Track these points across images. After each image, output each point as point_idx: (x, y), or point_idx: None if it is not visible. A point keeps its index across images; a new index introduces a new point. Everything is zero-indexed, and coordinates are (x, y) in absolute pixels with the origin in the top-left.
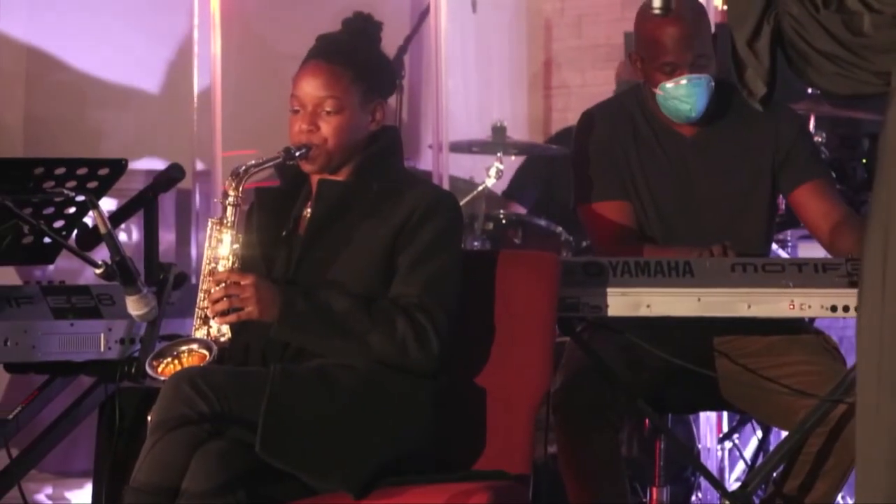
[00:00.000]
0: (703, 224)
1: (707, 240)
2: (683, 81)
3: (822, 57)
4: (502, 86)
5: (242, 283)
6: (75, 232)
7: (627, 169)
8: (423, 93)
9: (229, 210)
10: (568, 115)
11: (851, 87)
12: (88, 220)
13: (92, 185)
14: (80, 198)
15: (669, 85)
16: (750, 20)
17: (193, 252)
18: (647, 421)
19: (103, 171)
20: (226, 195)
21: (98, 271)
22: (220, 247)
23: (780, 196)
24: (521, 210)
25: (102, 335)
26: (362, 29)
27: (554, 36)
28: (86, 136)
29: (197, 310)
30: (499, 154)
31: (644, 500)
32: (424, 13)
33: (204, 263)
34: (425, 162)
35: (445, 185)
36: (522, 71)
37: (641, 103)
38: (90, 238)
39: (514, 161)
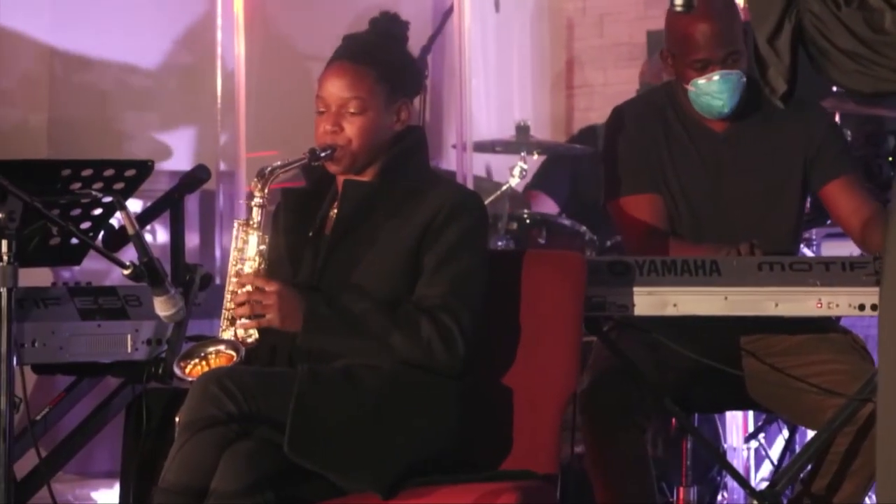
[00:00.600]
0: (733, 220)
1: (736, 236)
2: (716, 77)
3: (842, 55)
4: (524, 85)
5: (267, 289)
6: (101, 233)
7: (658, 164)
8: (446, 92)
9: (255, 211)
10: (590, 115)
11: (872, 85)
12: (113, 221)
13: (118, 186)
14: (107, 199)
15: (701, 81)
16: (771, 18)
17: (217, 253)
18: (673, 420)
19: (130, 173)
20: (251, 196)
21: (126, 272)
22: (246, 248)
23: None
24: (550, 202)
25: (129, 336)
26: (388, 29)
27: (576, 35)
28: (109, 138)
29: (224, 311)
30: (522, 153)
31: (671, 499)
32: (448, 13)
33: (230, 265)
34: (447, 161)
35: (469, 185)
36: (544, 70)
37: (672, 99)
38: (116, 239)
39: (538, 160)
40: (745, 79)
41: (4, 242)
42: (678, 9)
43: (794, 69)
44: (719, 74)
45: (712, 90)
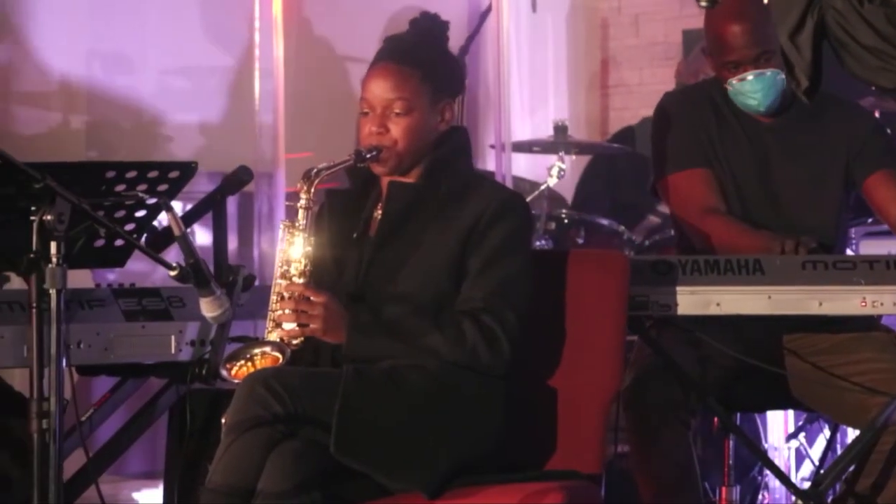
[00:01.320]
0: (780, 204)
1: (782, 221)
2: (749, 77)
3: (864, 50)
4: (559, 85)
5: (314, 300)
6: (145, 235)
7: (709, 143)
8: (482, 93)
9: (301, 213)
10: (625, 114)
11: (893, 81)
12: (154, 222)
13: (162, 187)
14: (151, 200)
15: (735, 82)
16: (793, 14)
17: (256, 254)
18: (715, 420)
19: (173, 174)
20: (297, 197)
21: (172, 273)
22: (291, 249)
23: None
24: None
25: (173, 337)
26: (429, 29)
27: (611, 35)
28: (148, 140)
29: (269, 312)
30: (560, 153)
31: (713, 499)
32: (485, 13)
33: (276, 266)
34: (483, 162)
35: (508, 186)
36: (579, 70)
37: (720, 90)
38: (160, 241)
39: (576, 161)
40: (781, 76)
41: (53, 244)
42: (703, 4)
43: (817, 65)
44: (752, 74)
45: (746, 90)
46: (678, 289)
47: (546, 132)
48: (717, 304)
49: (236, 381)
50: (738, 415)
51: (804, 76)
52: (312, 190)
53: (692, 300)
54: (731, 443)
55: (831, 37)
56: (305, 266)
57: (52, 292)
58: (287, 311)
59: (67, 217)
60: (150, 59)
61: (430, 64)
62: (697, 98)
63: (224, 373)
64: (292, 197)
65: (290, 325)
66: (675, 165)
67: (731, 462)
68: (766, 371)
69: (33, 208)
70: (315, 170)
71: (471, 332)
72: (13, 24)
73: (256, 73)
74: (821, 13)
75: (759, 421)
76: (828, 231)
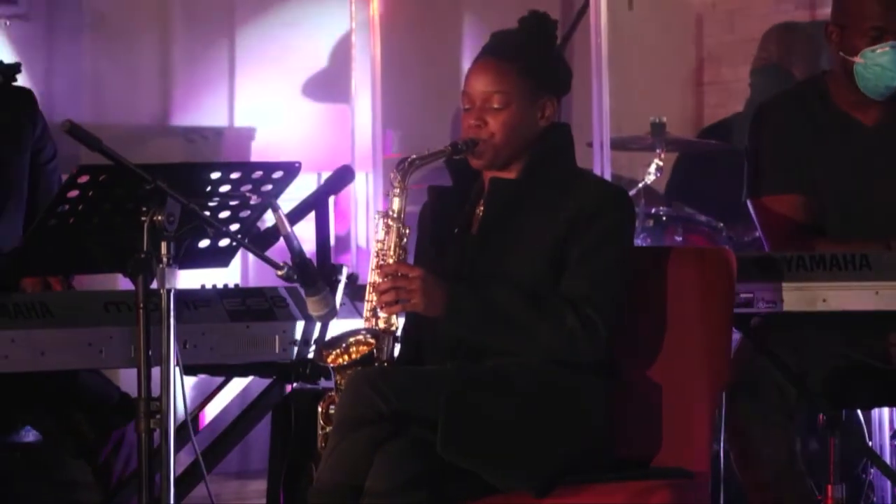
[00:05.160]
0: (884, 218)
1: (887, 235)
2: (888, 48)
3: None
4: (654, 82)
5: (410, 275)
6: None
7: (806, 162)
8: (575, 90)
9: (395, 202)
10: (721, 111)
11: None
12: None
13: (266, 188)
14: (256, 200)
15: (877, 51)
16: None
17: (354, 254)
18: (820, 417)
19: (277, 174)
20: (392, 187)
21: (279, 273)
22: (387, 239)
23: None
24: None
25: (277, 337)
26: (537, 26)
27: (706, 31)
28: (245, 140)
29: (366, 302)
30: (658, 150)
31: (818, 497)
32: (581, 11)
33: (371, 256)
34: (580, 160)
35: None
36: (675, 67)
37: (822, 93)
38: (260, 241)
39: (671, 158)
40: None
41: (164, 244)
42: None
43: None
44: (891, 45)
45: (883, 61)
46: (784, 285)
47: (642, 130)
48: (824, 301)
49: (331, 366)
50: (843, 412)
51: None
52: (407, 179)
53: (798, 296)
54: (837, 440)
55: None
56: (400, 256)
57: (163, 292)
58: (389, 291)
59: (177, 218)
60: (246, 60)
61: (531, 59)
62: (795, 109)
63: (318, 359)
64: (391, 188)
65: (386, 309)
66: (769, 188)
67: (836, 459)
68: (872, 368)
69: (144, 209)
70: (409, 160)
71: (571, 320)
72: (115, 26)
73: (353, 74)
74: None
75: (862, 418)
76: None
